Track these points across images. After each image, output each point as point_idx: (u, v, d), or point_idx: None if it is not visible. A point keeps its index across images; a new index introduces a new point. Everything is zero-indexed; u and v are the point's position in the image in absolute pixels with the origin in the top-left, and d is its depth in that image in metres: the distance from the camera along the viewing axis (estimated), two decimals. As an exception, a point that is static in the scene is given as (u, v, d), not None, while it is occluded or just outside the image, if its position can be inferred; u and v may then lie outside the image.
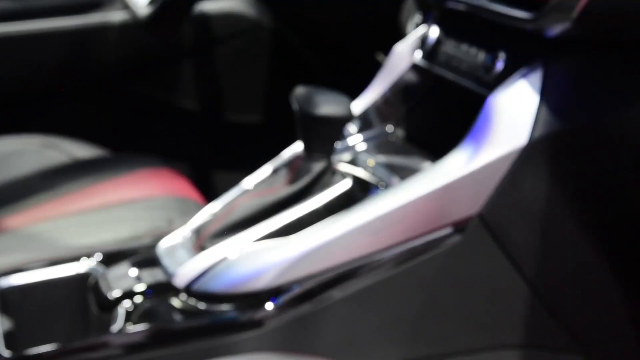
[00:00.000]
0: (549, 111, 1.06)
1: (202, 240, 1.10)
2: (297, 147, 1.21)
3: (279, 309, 1.03)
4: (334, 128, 1.09)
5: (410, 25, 1.45)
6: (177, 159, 2.04)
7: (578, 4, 0.99)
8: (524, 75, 1.07)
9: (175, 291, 1.06)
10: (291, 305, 1.04)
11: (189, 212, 1.40)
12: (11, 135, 1.69)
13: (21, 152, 1.61)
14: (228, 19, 2.02)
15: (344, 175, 1.14)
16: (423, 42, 1.25)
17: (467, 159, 1.05)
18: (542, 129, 1.05)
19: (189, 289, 1.06)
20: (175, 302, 1.05)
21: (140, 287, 1.07)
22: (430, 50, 1.24)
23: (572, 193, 1.09)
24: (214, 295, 1.04)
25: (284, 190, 1.11)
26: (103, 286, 1.09)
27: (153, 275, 1.09)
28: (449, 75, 1.20)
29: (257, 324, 1.03)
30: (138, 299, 1.06)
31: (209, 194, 1.65)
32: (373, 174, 1.16)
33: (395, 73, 1.28)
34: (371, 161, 1.19)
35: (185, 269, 1.06)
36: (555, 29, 1.04)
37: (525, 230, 1.09)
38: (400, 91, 1.28)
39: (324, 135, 1.10)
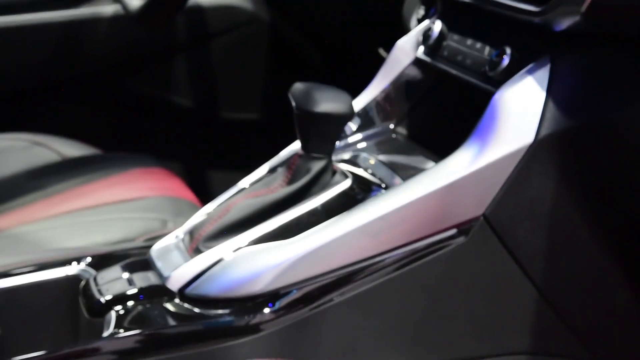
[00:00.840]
0: (556, 108, 1.06)
1: (196, 243, 1.10)
2: (295, 146, 1.22)
3: (276, 314, 1.04)
4: (334, 126, 1.10)
5: (413, 19, 1.46)
6: (171, 158, 2.05)
7: (588, -4, 1.00)
8: (531, 71, 1.07)
9: (169, 295, 1.06)
10: (289, 310, 1.04)
11: (183, 213, 1.41)
12: (-2, 133, 1.70)
13: (8, 151, 1.62)
14: (224, 11, 2.02)
15: (344, 174, 1.14)
16: (426, 36, 1.26)
17: (471, 157, 1.06)
18: (549, 127, 1.06)
19: (183, 293, 1.06)
20: (169, 306, 1.06)
21: (132, 291, 1.07)
22: (434, 45, 1.24)
23: (581, 193, 1.09)
24: (209, 299, 1.05)
25: (281, 190, 1.11)
26: (93, 290, 1.10)
27: (145, 279, 1.09)
28: (453, 71, 1.20)
29: (253, 329, 1.03)
30: (130, 303, 1.07)
31: (204, 194, 1.65)
32: (374, 173, 1.17)
33: (397, 69, 1.28)
34: (372, 160, 1.20)
35: (179, 272, 1.07)
36: (564, 23, 1.05)
37: (532, 232, 1.09)
38: (402, 87, 1.28)
39: (323, 134, 1.10)
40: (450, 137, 1.13)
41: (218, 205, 1.17)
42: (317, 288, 1.05)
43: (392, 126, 1.28)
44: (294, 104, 1.09)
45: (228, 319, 1.03)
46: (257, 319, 1.03)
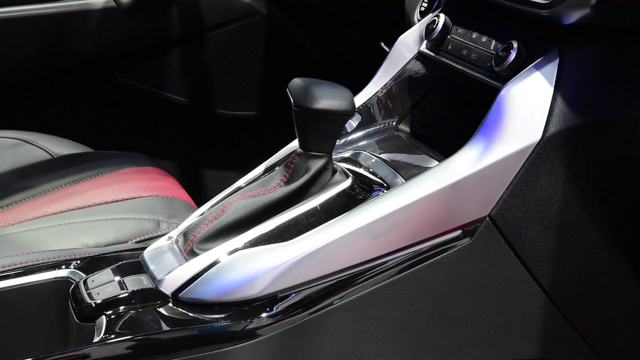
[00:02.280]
0: (565, 104, 1.07)
1: (191, 244, 1.10)
2: (293, 144, 1.22)
3: (274, 318, 1.04)
4: (334, 123, 1.10)
5: (416, 12, 1.46)
6: (165, 156, 2.05)
7: (598, -12, 1.00)
8: (538, 66, 1.08)
9: (162, 299, 1.07)
10: (287, 314, 1.04)
11: (177, 213, 1.41)
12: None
13: (-5, 149, 1.62)
14: (220, 4, 2.02)
15: (344, 173, 1.15)
16: (430, 30, 1.26)
17: (477, 156, 1.06)
18: (558, 124, 1.06)
19: (177, 297, 1.06)
20: (162, 310, 1.06)
21: (123, 295, 1.08)
22: (438, 39, 1.24)
23: (590, 193, 1.09)
24: (204, 303, 1.05)
25: (279, 190, 1.12)
26: (83, 294, 1.10)
27: (138, 282, 1.09)
28: (458, 65, 1.20)
29: (250, 334, 1.04)
30: (121, 307, 1.07)
31: (199, 194, 1.66)
32: (375, 172, 1.17)
33: (400, 64, 1.29)
34: (373, 159, 1.20)
35: (173, 275, 1.07)
36: (573, 16, 1.05)
37: (539, 233, 1.09)
38: (405, 83, 1.28)
39: (323, 131, 1.10)
40: (454, 135, 1.13)
41: (213, 206, 1.17)
42: (317, 291, 1.05)
43: (394, 123, 1.29)
44: (292, 100, 1.09)
45: (224, 323, 1.04)
46: (254, 323, 1.04)
